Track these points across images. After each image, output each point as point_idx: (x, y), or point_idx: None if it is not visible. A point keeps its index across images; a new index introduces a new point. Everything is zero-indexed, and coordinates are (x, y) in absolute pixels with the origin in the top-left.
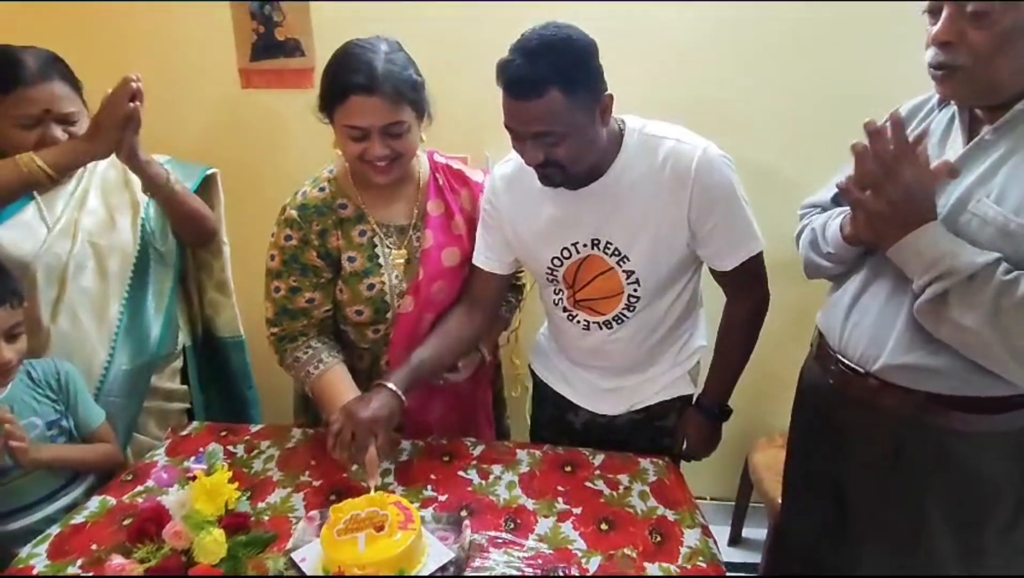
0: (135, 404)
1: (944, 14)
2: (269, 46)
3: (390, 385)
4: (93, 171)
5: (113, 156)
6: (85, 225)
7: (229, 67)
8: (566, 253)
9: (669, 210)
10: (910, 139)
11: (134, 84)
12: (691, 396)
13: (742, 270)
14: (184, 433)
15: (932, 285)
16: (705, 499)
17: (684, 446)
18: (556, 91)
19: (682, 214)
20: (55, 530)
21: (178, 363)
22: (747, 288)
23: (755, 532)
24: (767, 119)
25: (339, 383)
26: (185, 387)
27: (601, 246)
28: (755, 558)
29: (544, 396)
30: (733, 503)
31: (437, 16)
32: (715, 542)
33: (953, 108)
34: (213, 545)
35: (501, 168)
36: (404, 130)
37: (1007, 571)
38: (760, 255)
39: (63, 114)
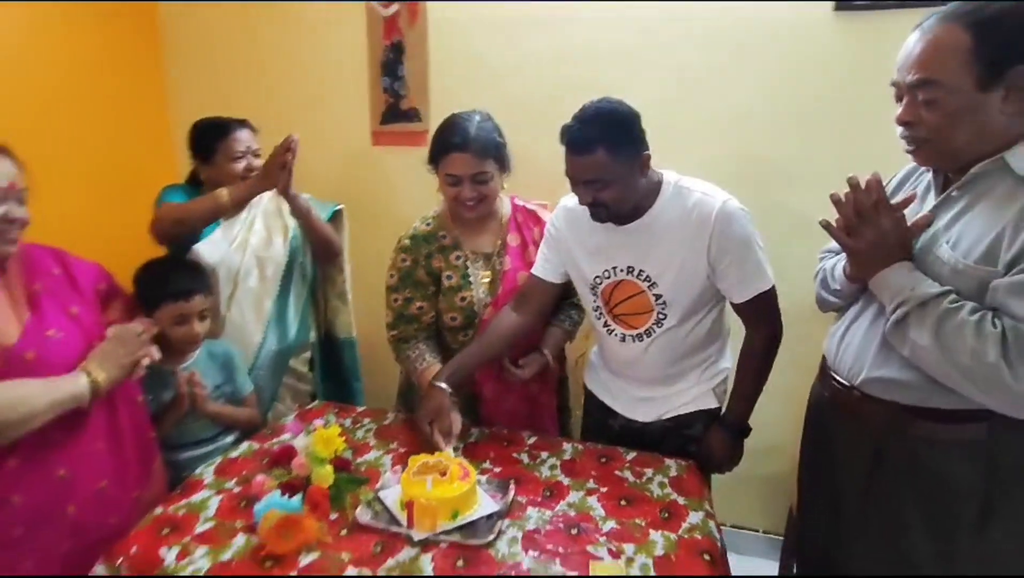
0: (277, 379)
1: (904, 100)
2: (395, 114)
3: (438, 384)
4: (259, 204)
5: (273, 191)
6: (252, 243)
7: (363, 128)
8: (606, 274)
9: (693, 249)
10: (900, 200)
11: (294, 142)
12: (716, 409)
13: (753, 304)
14: (309, 407)
15: (896, 310)
16: (757, 531)
17: (708, 459)
18: (603, 149)
19: (703, 253)
20: (218, 459)
21: (308, 354)
22: (759, 321)
23: None
24: (810, 174)
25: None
26: (311, 373)
27: (635, 273)
28: None
29: (591, 404)
30: (783, 537)
31: (527, 92)
32: (717, 527)
33: (930, 173)
34: (325, 474)
35: (565, 201)
36: (488, 178)
37: (980, 571)
38: (768, 293)
39: (255, 150)
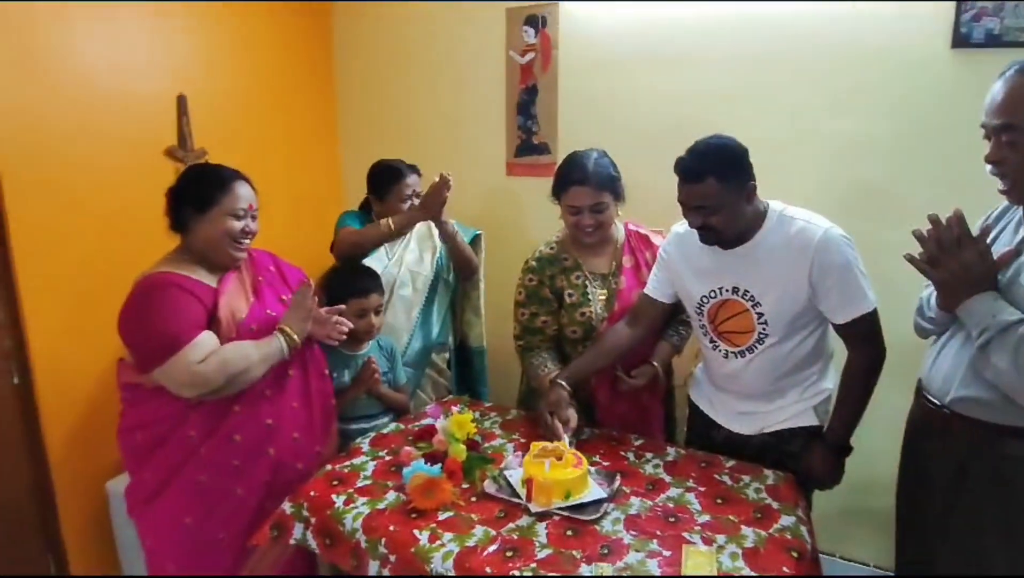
0: (420, 371)
1: (992, 141)
2: (527, 147)
3: (559, 381)
4: (414, 227)
5: None
6: (407, 259)
7: (499, 161)
8: (712, 294)
9: (795, 273)
10: (982, 233)
11: (448, 180)
12: (817, 427)
13: (854, 326)
14: (446, 399)
15: (982, 336)
16: (868, 565)
17: (808, 474)
18: (712, 179)
19: (804, 275)
20: (372, 434)
21: (447, 353)
22: (861, 342)
23: None
24: (921, 207)
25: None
26: (449, 372)
27: (740, 293)
28: None
29: (695, 417)
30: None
31: (645, 128)
32: (810, 532)
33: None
34: (460, 451)
35: (678, 227)
36: (604, 208)
37: None
38: (869, 316)
39: (418, 192)
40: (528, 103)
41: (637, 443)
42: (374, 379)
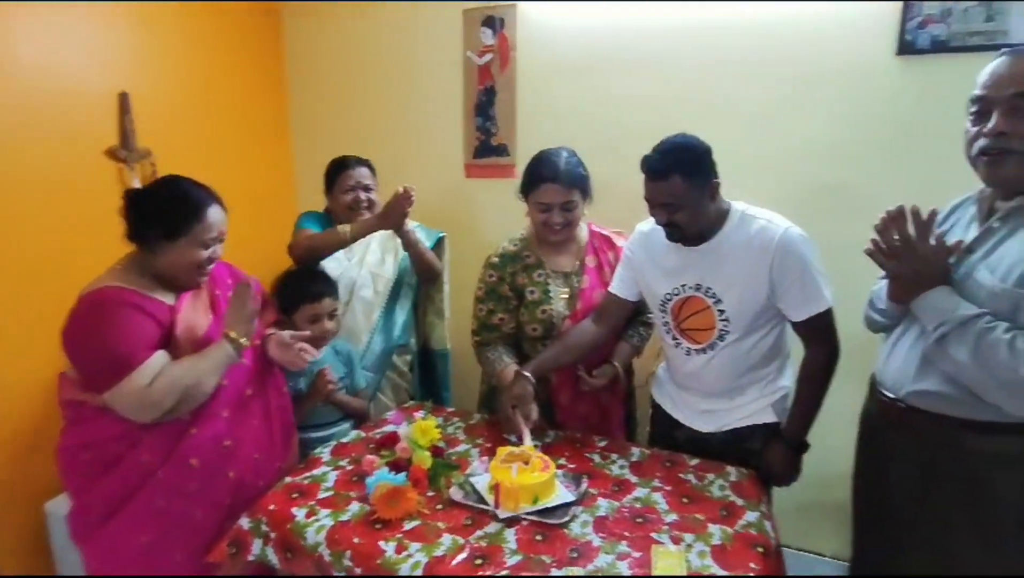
0: (380, 375)
1: (997, 113)
2: (486, 148)
3: (523, 373)
4: None
5: None
6: (368, 261)
7: (457, 162)
8: (676, 291)
9: (755, 271)
10: (935, 228)
11: (411, 194)
12: (775, 424)
13: (811, 324)
14: (407, 405)
15: (938, 329)
16: (824, 556)
17: (768, 471)
18: (677, 176)
19: (764, 274)
20: (333, 443)
21: (409, 356)
22: (817, 340)
23: None
24: (872, 205)
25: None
26: (411, 375)
27: (702, 290)
28: None
29: (658, 416)
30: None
31: (604, 131)
32: (774, 527)
33: (975, 206)
34: (424, 458)
35: (642, 225)
36: (574, 206)
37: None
38: (825, 314)
39: (365, 185)
40: (486, 104)
41: (601, 444)
42: (328, 389)
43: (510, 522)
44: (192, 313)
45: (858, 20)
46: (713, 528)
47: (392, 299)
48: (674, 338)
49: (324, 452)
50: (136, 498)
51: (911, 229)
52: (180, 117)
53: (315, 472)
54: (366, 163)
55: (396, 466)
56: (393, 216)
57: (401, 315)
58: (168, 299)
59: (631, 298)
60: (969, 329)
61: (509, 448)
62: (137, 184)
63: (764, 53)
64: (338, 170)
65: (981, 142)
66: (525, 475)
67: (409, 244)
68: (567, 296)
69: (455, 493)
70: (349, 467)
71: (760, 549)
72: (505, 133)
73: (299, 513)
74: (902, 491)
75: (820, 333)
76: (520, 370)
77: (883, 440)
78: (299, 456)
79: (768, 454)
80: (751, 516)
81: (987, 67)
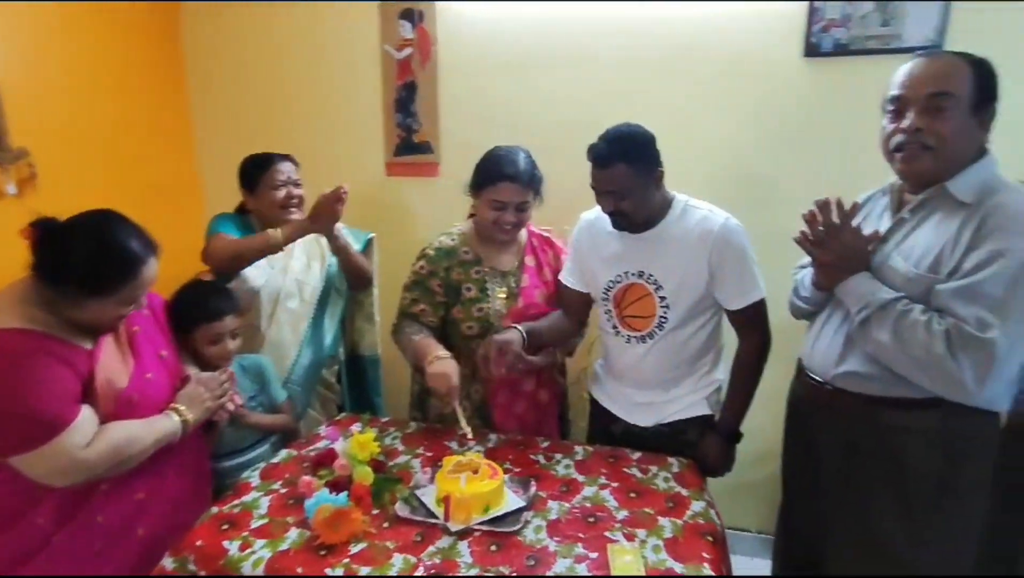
0: (310, 389)
1: (914, 112)
2: (408, 146)
3: (517, 326)
4: None
5: None
6: (293, 268)
7: (378, 160)
8: (619, 278)
9: (696, 259)
10: (854, 218)
11: (343, 193)
12: (709, 416)
13: (746, 313)
14: (339, 418)
15: (860, 313)
16: (749, 531)
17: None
18: (622, 163)
19: (704, 263)
20: (261, 465)
21: (336, 366)
22: (751, 329)
23: None
24: (786, 197)
25: (432, 342)
26: (339, 386)
27: (644, 277)
28: None
29: (596, 412)
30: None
31: (530, 129)
32: (717, 513)
33: (886, 199)
34: (365, 474)
35: (587, 215)
36: (527, 207)
37: (940, 543)
38: (760, 304)
39: (295, 180)
40: (407, 100)
41: (544, 445)
42: (220, 416)
43: (462, 534)
44: (112, 360)
45: (770, 22)
46: (663, 521)
47: (320, 308)
48: (615, 327)
49: (253, 476)
50: (25, 567)
51: (835, 219)
52: (64, 116)
53: (245, 498)
54: (290, 158)
55: (336, 486)
56: (324, 218)
57: (331, 325)
58: (85, 344)
59: (585, 288)
60: (889, 312)
61: (456, 457)
62: (12, 189)
63: (683, 52)
64: (262, 167)
65: (898, 138)
66: (475, 484)
67: (339, 248)
68: (505, 295)
69: (401, 509)
70: (283, 490)
71: (710, 538)
72: (428, 130)
73: (232, 546)
74: (828, 467)
75: (754, 323)
76: (512, 324)
77: (810, 420)
78: (216, 487)
79: (703, 446)
80: (697, 506)
81: (903, 68)
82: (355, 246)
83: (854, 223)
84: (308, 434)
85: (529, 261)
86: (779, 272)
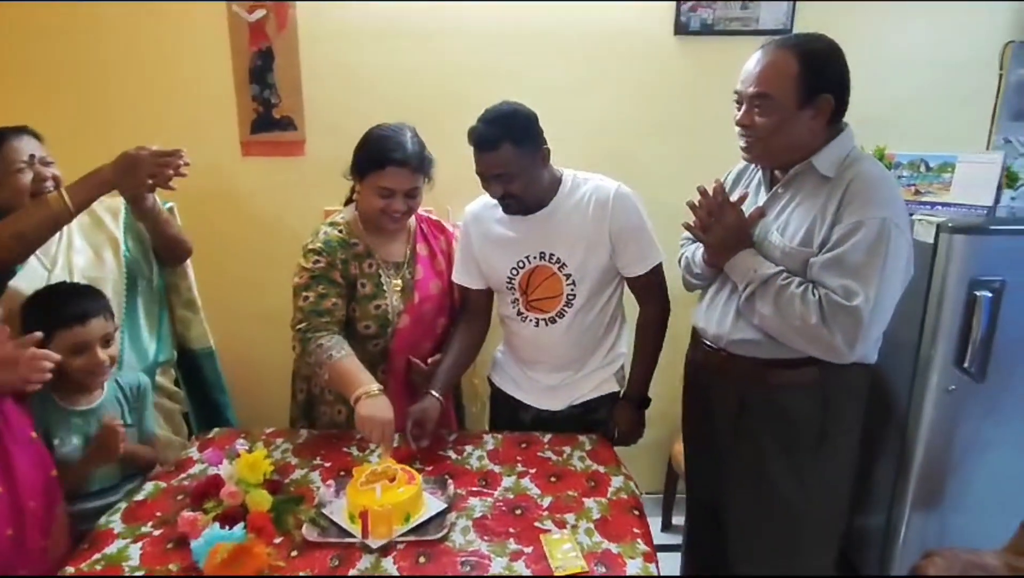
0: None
1: (743, 107)
2: (267, 122)
3: (433, 393)
4: (72, 221)
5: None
6: (77, 263)
7: (231, 139)
8: (520, 264)
9: (595, 230)
10: (736, 198)
11: (184, 164)
12: (617, 393)
13: (647, 278)
14: (209, 436)
15: (746, 289)
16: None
17: (616, 434)
18: (507, 144)
19: (604, 233)
20: (123, 505)
21: (172, 369)
22: (652, 295)
23: (683, 518)
24: (664, 172)
25: (357, 369)
26: (181, 391)
27: (547, 257)
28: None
29: (499, 400)
30: (662, 495)
31: (402, 103)
32: (636, 484)
33: (759, 173)
34: (261, 499)
35: (471, 206)
36: (418, 193)
37: (822, 487)
38: (659, 267)
39: (42, 158)
40: (263, 70)
41: (452, 438)
42: (116, 446)
43: (385, 550)
44: None
45: (643, 1)
46: (589, 502)
47: (130, 306)
48: (519, 313)
49: (113, 521)
50: None
51: (715, 202)
52: None
53: (108, 550)
54: (29, 131)
55: (227, 518)
56: (141, 177)
57: (151, 323)
58: None
59: (481, 286)
60: (770, 286)
61: (368, 466)
62: None
63: (558, 28)
64: None
65: (737, 130)
66: (391, 493)
67: (145, 213)
68: (400, 288)
69: (310, 532)
70: (156, 533)
71: (635, 512)
72: (289, 104)
73: None
74: (722, 425)
75: (655, 288)
76: (430, 391)
77: (706, 384)
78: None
79: (616, 416)
80: (617, 481)
81: (748, 60)
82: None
83: (734, 197)
84: (176, 459)
85: (421, 250)
86: (663, 246)
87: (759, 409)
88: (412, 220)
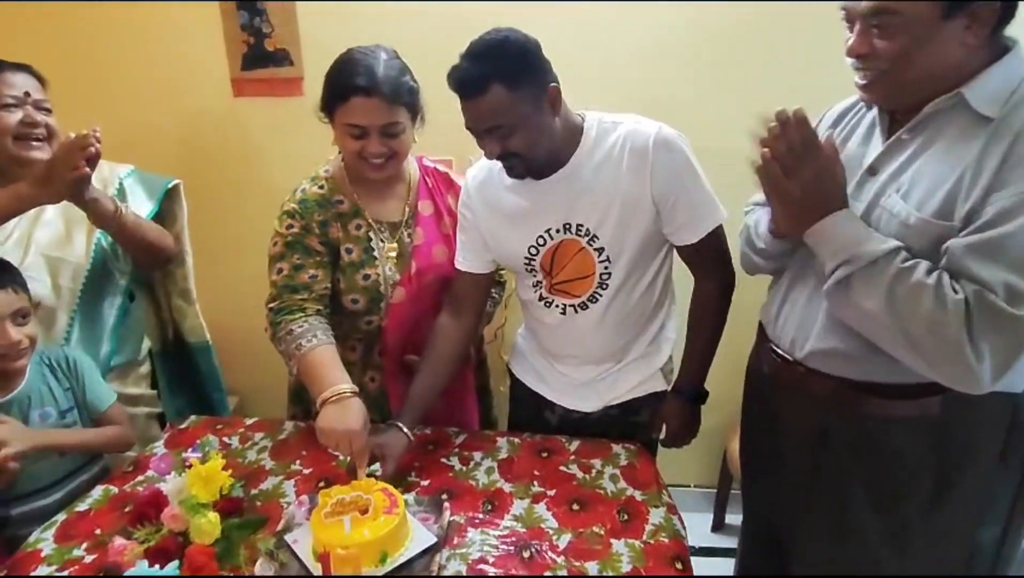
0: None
1: (856, 29)
2: (259, 56)
3: (400, 425)
4: None
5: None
6: (38, 238)
7: (219, 76)
8: (541, 240)
9: (632, 188)
10: (825, 141)
11: (93, 143)
12: (664, 393)
13: (706, 245)
14: (182, 426)
15: (838, 270)
16: (688, 486)
17: (664, 434)
18: (498, 86)
19: (645, 190)
20: (61, 517)
21: (144, 369)
22: (712, 265)
23: (737, 518)
24: (710, 117)
25: (330, 363)
26: (153, 392)
27: (573, 229)
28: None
29: (521, 395)
30: (715, 490)
31: (425, 27)
32: (680, 520)
33: (875, 111)
34: (208, 526)
35: (472, 172)
36: (400, 130)
37: (931, 550)
38: (722, 228)
39: (37, 100)
40: None
41: (459, 441)
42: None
43: None
44: None
45: None
46: (618, 546)
47: (90, 298)
48: (542, 297)
49: (44, 539)
50: None
51: (802, 136)
52: None
53: (33, 576)
54: (27, 68)
55: (162, 553)
56: (59, 181)
57: (113, 319)
58: None
59: (485, 269)
60: (881, 270)
61: (338, 491)
62: None
63: None
64: None
65: (850, 61)
66: (364, 527)
67: (106, 221)
68: (395, 254)
69: (264, 568)
70: (89, 558)
71: (679, 565)
72: (284, 35)
73: None
74: (795, 459)
75: (715, 254)
76: (395, 422)
77: (775, 403)
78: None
79: (665, 413)
80: (657, 515)
81: None
82: (145, 207)
83: (828, 136)
84: (136, 456)
85: (424, 208)
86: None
87: (848, 445)
88: (415, 172)
